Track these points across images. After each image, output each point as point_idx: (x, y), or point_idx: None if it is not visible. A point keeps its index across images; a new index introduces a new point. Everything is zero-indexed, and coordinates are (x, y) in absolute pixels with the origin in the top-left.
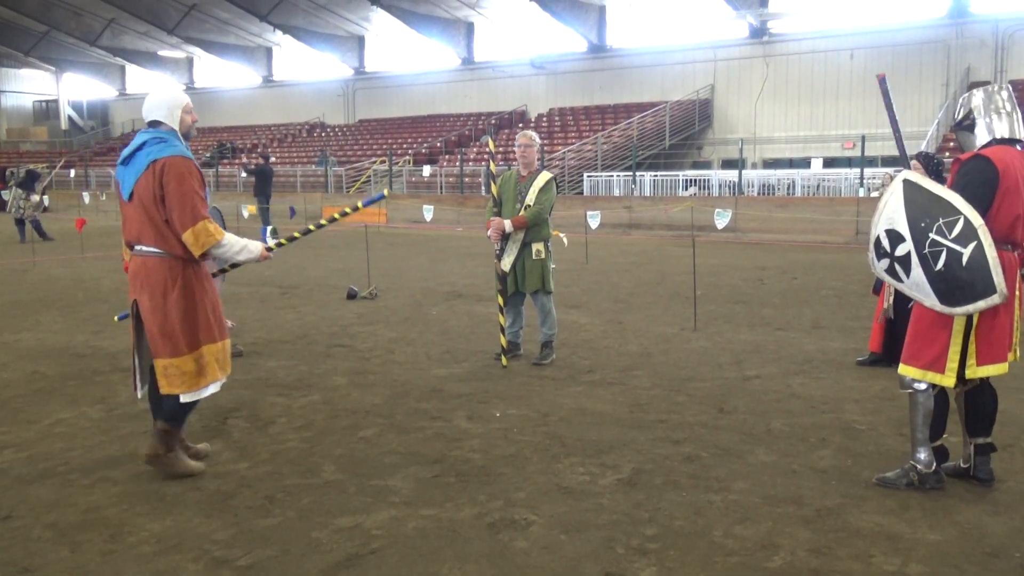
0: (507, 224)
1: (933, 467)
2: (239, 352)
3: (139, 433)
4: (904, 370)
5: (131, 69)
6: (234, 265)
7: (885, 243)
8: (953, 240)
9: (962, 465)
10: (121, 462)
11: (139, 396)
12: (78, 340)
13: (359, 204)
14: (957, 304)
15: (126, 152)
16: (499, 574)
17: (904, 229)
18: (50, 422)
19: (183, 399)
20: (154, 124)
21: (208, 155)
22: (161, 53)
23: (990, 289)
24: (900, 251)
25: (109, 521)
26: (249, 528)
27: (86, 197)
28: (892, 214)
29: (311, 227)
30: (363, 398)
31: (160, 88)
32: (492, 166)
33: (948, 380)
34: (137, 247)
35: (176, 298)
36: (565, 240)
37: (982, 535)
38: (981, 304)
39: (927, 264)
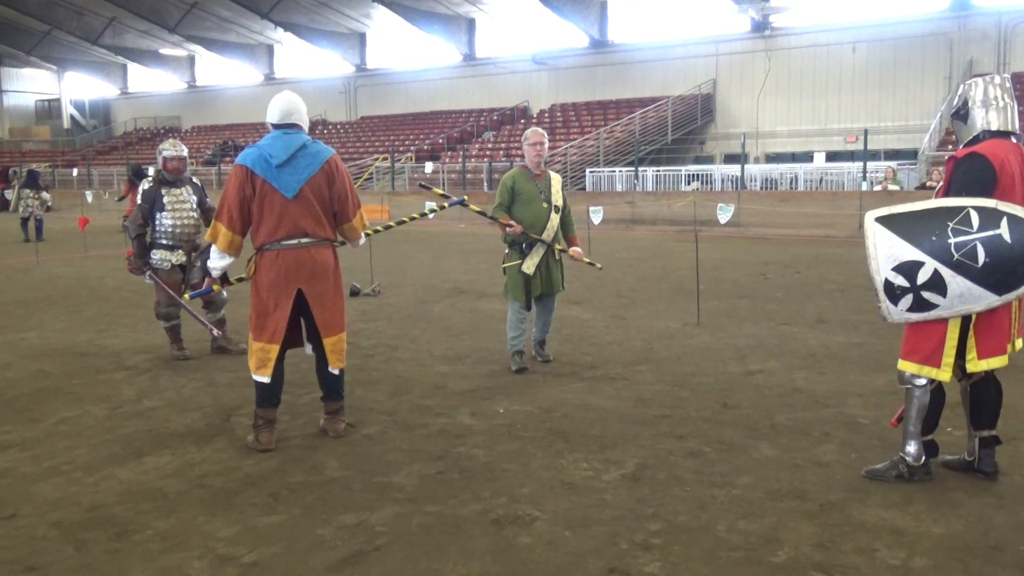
0: (580, 254)
1: (922, 460)
2: (243, 350)
3: (143, 431)
4: (903, 365)
5: (133, 68)
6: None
7: (899, 281)
8: (980, 229)
9: (967, 458)
10: (125, 460)
11: (268, 381)
12: (82, 339)
13: (445, 204)
14: (1012, 288)
15: (281, 156)
16: (503, 570)
17: (915, 254)
18: (54, 421)
19: (337, 372)
20: (292, 126)
21: (210, 153)
22: (163, 51)
23: None
24: (923, 276)
25: (114, 519)
26: (254, 525)
27: (89, 196)
28: (890, 251)
29: (406, 217)
30: (366, 395)
31: (290, 94)
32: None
33: (944, 375)
34: (302, 239)
35: (339, 278)
36: None
37: (987, 528)
38: None
39: (967, 267)
